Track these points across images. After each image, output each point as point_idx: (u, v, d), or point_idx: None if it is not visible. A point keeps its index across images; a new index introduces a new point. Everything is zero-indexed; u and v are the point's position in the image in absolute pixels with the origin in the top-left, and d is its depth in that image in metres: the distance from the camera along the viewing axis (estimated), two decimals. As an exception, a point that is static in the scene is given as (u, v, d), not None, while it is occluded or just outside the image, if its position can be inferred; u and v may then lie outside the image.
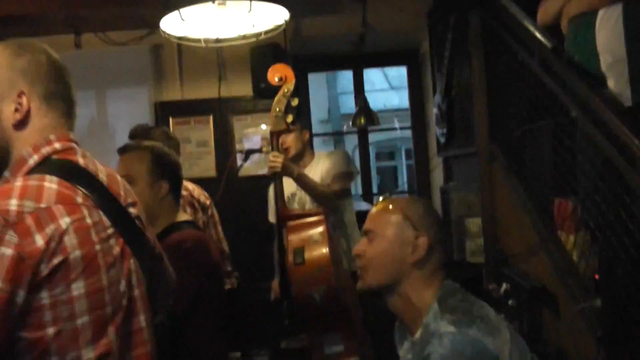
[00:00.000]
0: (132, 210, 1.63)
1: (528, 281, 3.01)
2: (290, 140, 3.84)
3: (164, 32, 3.58)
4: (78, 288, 1.40)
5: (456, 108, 4.57)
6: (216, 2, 3.31)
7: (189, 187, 3.80)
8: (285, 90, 3.28)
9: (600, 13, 2.67)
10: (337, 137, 14.02)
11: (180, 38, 3.71)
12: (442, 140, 4.89)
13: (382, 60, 6.80)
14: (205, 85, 5.44)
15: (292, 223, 2.96)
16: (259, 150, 5.12)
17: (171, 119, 5.41)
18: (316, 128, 10.43)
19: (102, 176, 1.57)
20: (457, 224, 4.58)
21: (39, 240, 1.34)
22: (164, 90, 5.46)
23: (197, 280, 2.35)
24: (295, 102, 3.26)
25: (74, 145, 1.57)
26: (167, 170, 2.51)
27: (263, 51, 5.05)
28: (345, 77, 12.93)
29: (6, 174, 1.52)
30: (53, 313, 1.37)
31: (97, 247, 1.44)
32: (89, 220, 1.44)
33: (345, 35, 5.41)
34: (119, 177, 1.66)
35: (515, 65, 3.30)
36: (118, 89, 5.39)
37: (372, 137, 7.15)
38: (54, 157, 1.51)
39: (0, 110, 1.52)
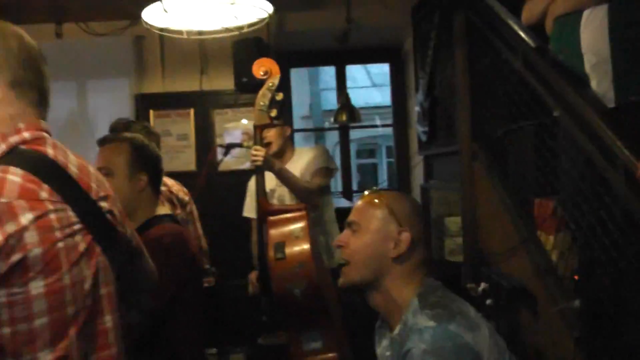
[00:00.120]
0: (103, 204, 1.55)
1: (507, 281, 3.01)
2: (272, 135, 3.82)
3: (145, 22, 3.54)
4: (37, 287, 1.32)
5: (439, 106, 4.57)
6: (199, -7, 3.28)
7: (168, 183, 3.76)
8: (270, 84, 3.26)
9: (586, 13, 2.68)
10: (318, 133, 14.01)
11: (162, 29, 3.67)
12: (424, 138, 4.89)
13: (365, 57, 6.81)
14: (186, 78, 5.41)
15: (273, 218, 2.94)
16: (240, 145, 5.08)
17: (152, 112, 5.38)
18: (297, 124, 10.40)
19: (73, 168, 1.49)
20: (436, 223, 4.59)
21: None
22: (145, 82, 5.42)
23: (177, 276, 2.33)
24: (279, 96, 3.25)
25: (44, 134, 1.49)
26: (146, 163, 2.48)
27: (245, 45, 5.02)
28: (328, 74, 12.94)
29: None
30: (9, 313, 1.30)
31: (60, 244, 1.37)
32: (52, 216, 1.37)
33: (329, 31, 5.40)
34: (91, 169, 1.58)
35: (499, 64, 3.30)
36: (99, 80, 5.33)
37: (353, 135, 7.14)
38: (22, 147, 1.44)
39: None
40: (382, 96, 12.07)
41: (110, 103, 5.17)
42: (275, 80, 3.28)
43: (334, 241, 2.00)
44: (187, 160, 5.37)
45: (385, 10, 5.35)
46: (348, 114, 5.93)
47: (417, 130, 5.04)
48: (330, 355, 2.78)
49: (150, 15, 3.47)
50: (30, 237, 1.32)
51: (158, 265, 1.92)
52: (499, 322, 2.87)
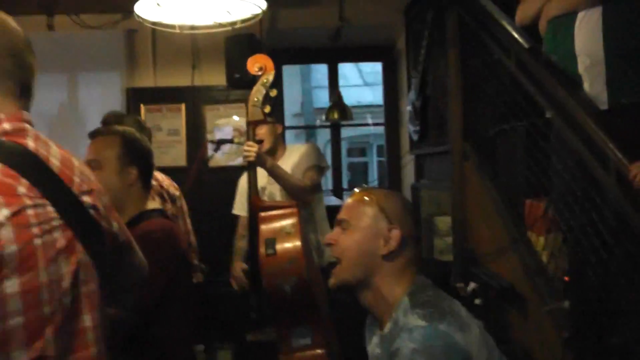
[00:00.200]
0: (86, 199, 1.47)
1: (496, 281, 3.02)
2: (263, 133, 3.81)
3: (138, 16, 3.52)
4: (11, 286, 1.27)
5: (430, 106, 4.57)
6: (193, -12, 3.27)
7: (159, 178, 3.75)
8: (265, 80, 3.25)
9: (580, 15, 2.68)
10: (309, 131, 14.02)
11: (154, 23, 3.65)
12: (415, 137, 4.89)
13: (358, 55, 6.80)
14: (178, 73, 5.39)
15: (264, 214, 2.93)
16: (231, 141, 5.08)
17: (143, 106, 5.35)
18: (289, 121, 10.40)
19: (55, 161, 1.43)
20: (426, 222, 4.59)
21: None
22: (137, 76, 5.40)
23: (166, 272, 2.31)
24: (273, 93, 3.23)
25: (26, 125, 1.44)
26: (137, 157, 2.45)
27: (238, 41, 5.01)
28: (320, 72, 12.93)
29: None
30: None
31: (37, 241, 1.31)
32: (30, 212, 1.32)
33: (322, 28, 5.40)
34: (75, 162, 1.50)
35: (492, 64, 3.30)
36: (90, 73, 5.32)
37: (344, 133, 7.15)
38: (2, 138, 1.38)
39: None
40: (374, 95, 12.08)
41: (101, 97, 5.15)
42: (269, 76, 3.27)
43: (324, 239, 1.99)
44: (177, 156, 5.35)
45: (378, 8, 5.35)
46: (340, 111, 5.94)
47: (409, 129, 5.04)
48: (319, 351, 2.78)
49: (143, 9, 3.46)
50: (6, 233, 1.27)
51: (147, 260, 1.91)
52: (488, 321, 2.87)
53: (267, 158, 3.48)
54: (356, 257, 1.86)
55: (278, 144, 3.98)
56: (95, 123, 3.55)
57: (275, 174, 3.54)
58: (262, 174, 3.49)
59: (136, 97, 5.34)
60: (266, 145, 3.80)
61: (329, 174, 5.93)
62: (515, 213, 3.12)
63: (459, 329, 1.67)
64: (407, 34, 5.31)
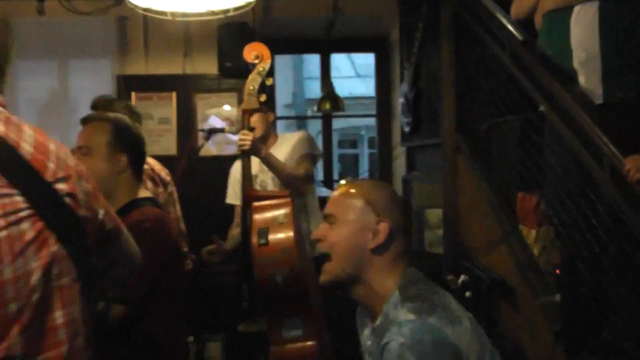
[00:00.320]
0: (60, 186, 1.37)
1: (487, 274, 3.02)
2: (255, 120, 3.78)
3: (129, 2, 3.49)
4: None
5: (423, 98, 4.57)
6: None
7: (150, 162, 3.72)
8: (261, 68, 3.24)
9: (576, 9, 2.67)
10: (300, 122, 13.99)
11: (146, 10, 3.62)
12: (407, 130, 4.89)
13: (351, 46, 6.77)
14: (170, 60, 5.35)
15: (257, 204, 2.91)
16: (222, 130, 5.04)
17: (134, 94, 5.31)
18: (280, 112, 10.38)
19: (26, 146, 1.34)
20: (417, 214, 4.59)
21: None
22: (128, 63, 5.35)
23: (158, 262, 2.29)
24: (269, 81, 3.23)
25: None
26: (127, 144, 2.42)
27: (230, 30, 4.98)
28: (312, 62, 12.89)
29: None
30: None
31: (2, 233, 1.24)
32: None
33: (315, 18, 5.37)
34: (52, 146, 1.40)
35: (486, 57, 3.29)
36: (81, 59, 5.26)
37: (336, 124, 7.12)
38: None
39: None
40: (366, 87, 12.05)
41: (92, 83, 5.10)
42: (266, 65, 3.25)
43: (312, 235, 1.97)
44: (168, 145, 5.31)
45: (372, 0, 5.32)
46: (331, 102, 5.91)
47: (401, 121, 5.04)
48: (310, 343, 2.77)
49: (136, -4, 3.44)
50: None
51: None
52: (478, 315, 2.88)
53: (261, 147, 3.46)
54: (345, 252, 1.84)
55: (270, 132, 3.95)
56: (85, 110, 3.52)
57: (270, 163, 3.52)
58: (254, 162, 3.47)
59: (127, 84, 5.29)
60: (257, 133, 3.77)
61: (320, 165, 5.91)
62: (507, 206, 3.12)
63: (449, 323, 1.66)
64: (401, 25, 5.29)
